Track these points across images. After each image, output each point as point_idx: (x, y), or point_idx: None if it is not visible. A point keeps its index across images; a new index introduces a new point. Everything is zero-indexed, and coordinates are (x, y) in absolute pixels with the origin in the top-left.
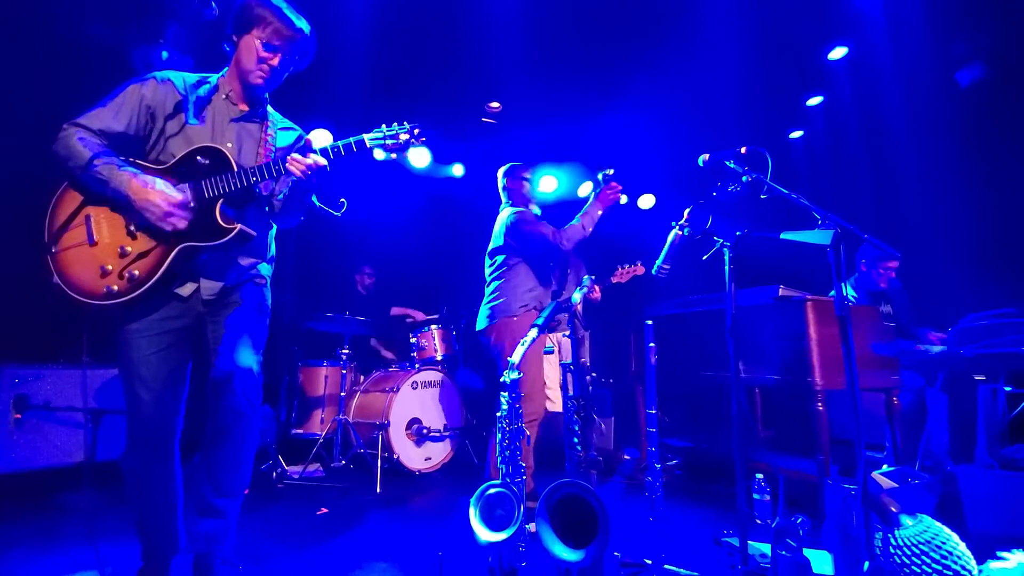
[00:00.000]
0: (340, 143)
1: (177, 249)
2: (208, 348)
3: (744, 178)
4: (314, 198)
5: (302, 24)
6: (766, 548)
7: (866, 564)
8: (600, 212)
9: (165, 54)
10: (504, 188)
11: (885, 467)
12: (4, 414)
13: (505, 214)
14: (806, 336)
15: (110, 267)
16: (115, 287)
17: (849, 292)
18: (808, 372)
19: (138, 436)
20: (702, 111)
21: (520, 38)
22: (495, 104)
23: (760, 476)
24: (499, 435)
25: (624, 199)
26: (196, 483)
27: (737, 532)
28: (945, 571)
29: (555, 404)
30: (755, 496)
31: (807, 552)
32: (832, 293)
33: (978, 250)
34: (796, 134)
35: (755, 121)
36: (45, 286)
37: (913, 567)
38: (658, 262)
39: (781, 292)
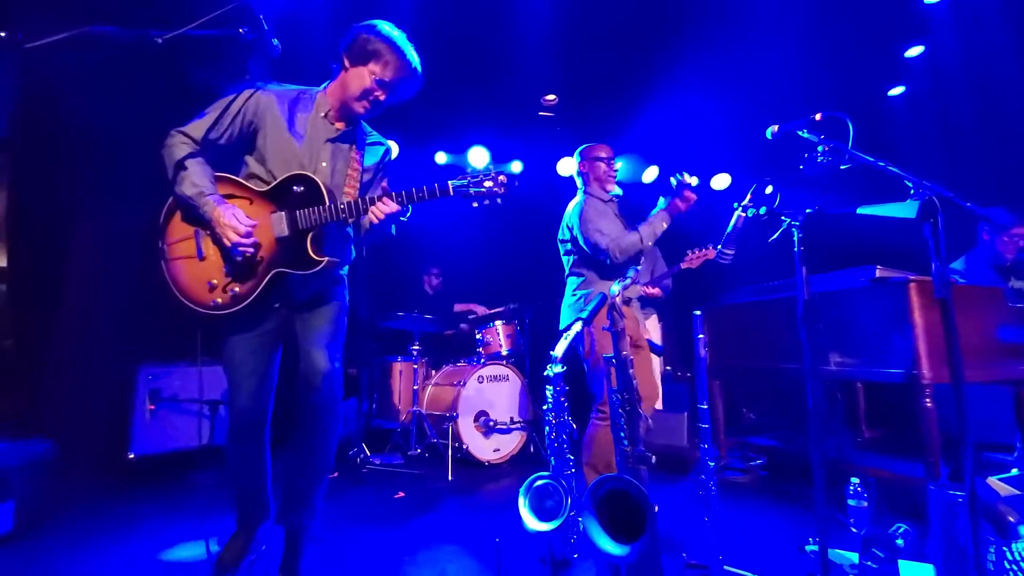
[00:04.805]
0: (425, 188)
1: (271, 274)
2: (297, 342)
3: (820, 148)
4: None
5: (417, 64)
6: (855, 558)
7: None
8: (666, 225)
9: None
10: (578, 173)
11: (1015, 471)
12: (142, 405)
13: (573, 202)
14: (910, 322)
15: (215, 282)
16: (219, 300)
17: (958, 268)
18: (914, 364)
19: (237, 423)
20: (784, 77)
21: (571, 22)
22: (551, 96)
23: (856, 480)
24: (546, 428)
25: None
26: (288, 468)
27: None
28: None
29: None
30: (851, 502)
31: (907, 564)
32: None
33: None
34: (896, 91)
35: (848, 81)
36: (169, 294)
37: None
38: (719, 247)
39: (878, 273)
